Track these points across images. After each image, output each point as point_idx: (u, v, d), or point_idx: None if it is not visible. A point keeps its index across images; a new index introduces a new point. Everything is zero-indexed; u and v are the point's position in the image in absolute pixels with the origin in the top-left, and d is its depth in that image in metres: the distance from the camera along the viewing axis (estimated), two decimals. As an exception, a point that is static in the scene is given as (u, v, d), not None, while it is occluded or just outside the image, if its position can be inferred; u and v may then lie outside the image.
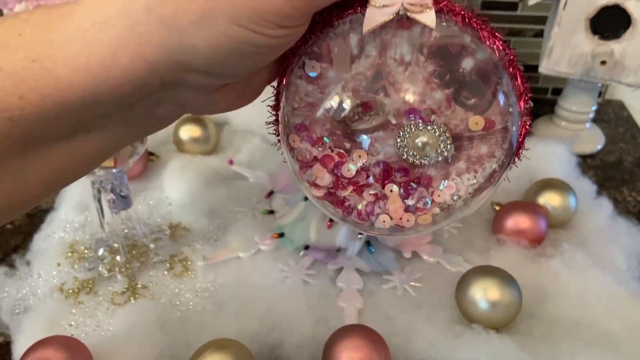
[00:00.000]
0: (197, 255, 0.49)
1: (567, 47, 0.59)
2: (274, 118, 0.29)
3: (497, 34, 0.26)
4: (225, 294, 0.45)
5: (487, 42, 0.26)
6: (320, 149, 0.28)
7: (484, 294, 0.41)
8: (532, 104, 0.28)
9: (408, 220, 0.29)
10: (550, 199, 0.52)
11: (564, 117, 0.67)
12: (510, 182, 0.57)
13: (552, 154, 0.59)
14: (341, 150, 0.28)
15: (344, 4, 0.25)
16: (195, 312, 0.44)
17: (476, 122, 0.27)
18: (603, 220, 0.52)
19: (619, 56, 0.58)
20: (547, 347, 0.40)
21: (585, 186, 0.57)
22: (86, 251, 0.49)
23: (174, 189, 0.55)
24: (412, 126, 0.27)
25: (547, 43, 0.60)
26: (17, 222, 0.53)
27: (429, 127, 0.27)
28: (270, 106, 0.29)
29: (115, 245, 0.47)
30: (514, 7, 0.72)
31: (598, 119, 0.73)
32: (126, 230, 0.49)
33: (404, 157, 0.27)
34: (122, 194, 0.43)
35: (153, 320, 0.42)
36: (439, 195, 0.28)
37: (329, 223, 0.48)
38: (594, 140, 0.67)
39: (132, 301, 0.44)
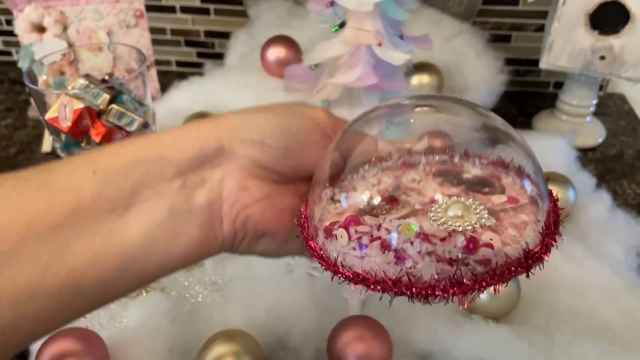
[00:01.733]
0: (205, 250, 0.50)
1: (567, 42, 0.60)
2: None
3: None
4: (234, 287, 0.47)
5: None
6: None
7: (484, 286, 0.42)
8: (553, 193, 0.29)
9: None
10: (549, 193, 0.53)
11: (565, 110, 0.68)
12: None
13: (552, 147, 0.60)
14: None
15: None
16: (205, 304, 0.45)
17: (499, 197, 0.28)
18: (602, 213, 0.53)
19: (618, 51, 0.59)
20: (544, 336, 0.41)
21: (585, 179, 0.58)
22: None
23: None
24: (439, 205, 0.27)
25: (547, 38, 0.61)
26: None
27: (457, 201, 0.27)
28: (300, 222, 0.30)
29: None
30: (515, 1, 0.73)
31: (599, 113, 0.74)
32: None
33: (449, 228, 0.26)
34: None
35: (164, 313, 0.44)
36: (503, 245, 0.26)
37: (333, 217, 0.49)
38: (595, 134, 0.68)
39: (144, 294, 0.46)
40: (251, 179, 0.29)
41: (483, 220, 0.26)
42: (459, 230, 0.26)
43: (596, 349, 0.40)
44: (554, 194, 0.30)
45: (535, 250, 0.26)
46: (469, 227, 0.26)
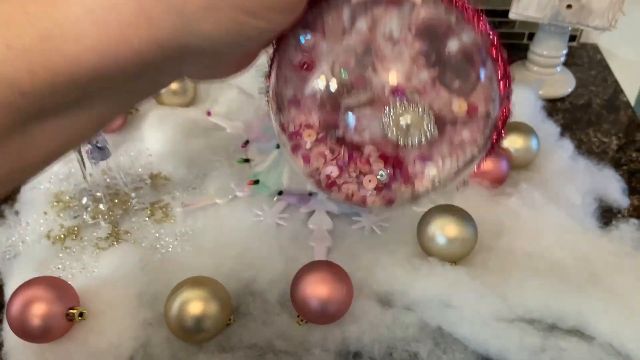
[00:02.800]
0: (176, 203, 0.51)
1: (536, -8, 0.60)
2: (266, 88, 0.30)
3: (481, 15, 0.26)
4: (204, 237, 0.48)
5: (472, 23, 0.26)
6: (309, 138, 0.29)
7: (442, 231, 0.44)
8: (512, 89, 0.28)
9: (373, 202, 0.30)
10: (513, 142, 0.54)
11: (535, 62, 0.68)
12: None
13: (519, 98, 0.60)
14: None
15: None
16: (175, 253, 0.47)
17: (460, 106, 0.27)
18: (564, 161, 0.55)
19: (585, 0, 0.59)
20: (498, 276, 0.43)
21: (550, 129, 0.59)
22: (71, 200, 0.51)
23: (154, 140, 0.58)
24: (397, 104, 0.27)
25: (517, -12, 0.61)
26: (4, 175, 0.55)
27: (412, 107, 0.27)
28: (264, 76, 0.30)
29: (98, 194, 0.50)
30: (489, -49, 0.72)
31: (572, 63, 0.75)
32: (108, 180, 0.51)
33: (389, 136, 0.28)
34: (98, 145, 0.45)
35: (135, 262, 0.45)
36: (421, 181, 0.29)
37: (300, 169, 0.50)
38: (564, 84, 0.69)
39: (115, 245, 0.47)
40: (212, 67, 0.27)
41: (424, 137, 0.27)
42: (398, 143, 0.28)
43: (547, 287, 0.42)
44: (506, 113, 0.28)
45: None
46: (408, 142, 0.28)
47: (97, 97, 0.25)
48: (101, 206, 0.50)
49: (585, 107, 0.67)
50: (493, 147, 0.28)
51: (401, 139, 0.28)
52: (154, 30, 0.22)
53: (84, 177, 0.49)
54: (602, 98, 0.69)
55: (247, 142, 0.57)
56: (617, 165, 0.58)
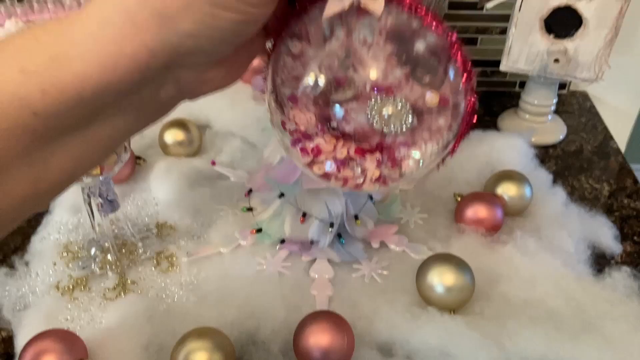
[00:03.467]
0: (182, 252, 0.53)
1: (525, 46, 0.63)
2: (269, 88, 0.33)
3: (439, 19, 0.29)
4: (208, 287, 0.50)
5: (431, 28, 0.29)
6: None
7: (440, 279, 0.45)
8: (475, 81, 0.31)
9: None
10: (507, 190, 0.56)
11: (527, 110, 0.71)
12: (472, 174, 0.61)
13: (511, 146, 0.63)
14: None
15: None
16: (180, 303, 0.48)
17: (432, 98, 0.31)
18: (556, 208, 0.57)
19: (572, 53, 0.62)
20: (495, 325, 0.44)
21: (542, 176, 0.61)
22: (80, 251, 0.53)
23: (161, 190, 0.60)
24: (378, 98, 0.31)
25: (507, 42, 0.64)
26: (14, 225, 0.57)
27: (391, 100, 0.31)
28: (264, 78, 0.33)
29: (106, 244, 0.52)
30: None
31: (562, 110, 0.78)
32: (116, 231, 0.53)
33: (375, 125, 0.31)
34: (109, 198, 0.47)
35: (141, 313, 0.47)
36: (407, 163, 0.32)
37: (302, 218, 0.52)
38: (556, 131, 0.71)
39: (123, 296, 0.49)
40: (206, 71, 0.29)
41: (405, 126, 0.31)
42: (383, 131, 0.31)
43: (543, 335, 0.43)
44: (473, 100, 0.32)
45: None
46: (391, 130, 0.31)
47: (105, 115, 0.27)
48: (109, 256, 0.51)
49: (577, 153, 0.69)
50: (465, 132, 0.32)
51: (385, 128, 0.31)
52: (142, 34, 0.25)
53: (93, 228, 0.51)
54: (592, 145, 0.71)
55: (250, 191, 0.59)
56: (609, 211, 0.60)
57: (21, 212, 0.28)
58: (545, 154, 0.69)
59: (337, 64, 0.31)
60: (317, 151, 0.33)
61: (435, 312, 0.45)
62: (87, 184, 0.47)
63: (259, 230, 0.54)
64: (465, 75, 0.30)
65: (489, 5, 0.63)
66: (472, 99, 0.31)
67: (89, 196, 0.48)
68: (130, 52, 0.25)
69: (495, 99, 0.81)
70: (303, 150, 0.33)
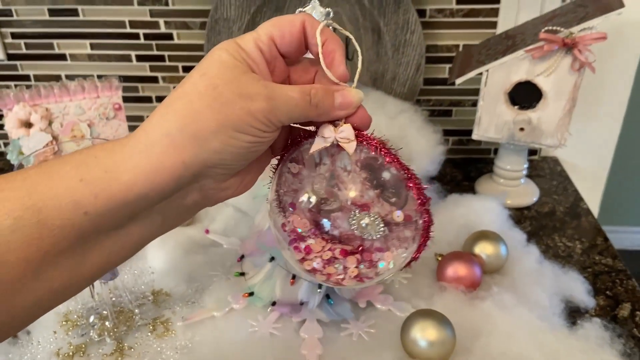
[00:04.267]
0: (177, 317, 0.55)
1: (493, 117, 0.69)
2: (271, 196, 0.40)
3: (398, 158, 0.36)
4: (202, 350, 0.52)
5: (392, 164, 0.36)
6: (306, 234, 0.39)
7: (423, 334, 0.48)
8: (429, 207, 0.37)
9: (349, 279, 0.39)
10: (484, 249, 0.60)
11: (501, 174, 0.76)
12: (452, 235, 0.65)
13: (487, 208, 0.67)
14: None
15: (309, 132, 0.37)
16: (176, 367, 0.50)
17: (398, 216, 0.37)
18: (531, 265, 0.60)
19: (536, 122, 0.68)
20: (476, 377, 0.46)
21: (517, 236, 0.65)
22: (79, 319, 0.55)
23: (156, 258, 0.63)
24: (356, 212, 0.37)
25: (477, 113, 0.70)
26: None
27: (367, 214, 0.37)
28: (269, 188, 0.40)
29: (104, 312, 0.54)
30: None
31: (535, 174, 0.83)
32: (114, 298, 0.55)
33: (355, 232, 0.38)
34: (110, 266, 0.50)
35: (138, 376, 0.49)
36: (380, 264, 0.38)
37: (292, 280, 0.55)
38: (529, 194, 0.76)
39: (120, 360, 0.51)
40: (225, 181, 0.35)
41: (379, 234, 0.38)
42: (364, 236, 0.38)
43: (522, 386, 0.46)
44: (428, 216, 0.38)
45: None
46: (369, 237, 0.38)
47: (138, 217, 0.33)
48: (107, 323, 0.53)
49: (550, 214, 0.74)
50: (425, 243, 0.38)
51: (364, 234, 0.38)
52: (180, 152, 0.31)
53: (92, 297, 0.54)
54: (564, 206, 0.76)
55: (242, 257, 0.62)
56: (582, 268, 0.63)
57: (55, 300, 0.32)
58: (520, 215, 0.73)
59: (325, 183, 0.38)
60: (308, 250, 0.39)
61: (419, 366, 0.47)
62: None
63: (251, 294, 0.57)
64: (419, 201, 0.37)
65: (458, 81, 0.69)
66: (427, 219, 0.37)
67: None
68: (169, 165, 0.31)
69: (472, 164, 0.86)
70: (297, 248, 0.39)
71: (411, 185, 0.36)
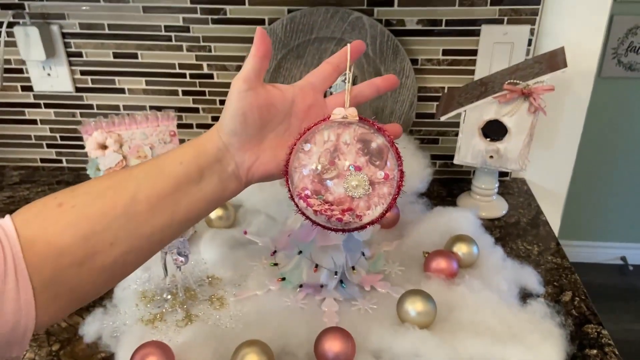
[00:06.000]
0: (228, 294, 0.73)
1: (469, 146, 0.88)
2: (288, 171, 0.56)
3: (385, 130, 0.54)
4: (250, 318, 0.70)
5: (382, 133, 0.54)
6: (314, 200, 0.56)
7: (413, 306, 0.66)
8: (403, 168, 0.55)
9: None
10: (461, 248, 0.78)
11: (477, 192, 0.95)
12: (436, 237, 0.83)
13: (465, 218, 0.86)
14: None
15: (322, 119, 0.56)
16: (230, 329, 0.68)
17: (380, 174, 0.54)
18: (497, 262, 0.79)
19: (503, 152, 0.87)
20: (451, 336, 0.64)
21: (487, 239, 0.83)
22: (154, 296, 0.73)
23: (208, 252, 0.81)
24: (351, 174, 0.54)
25: (457, 143, 0.89)
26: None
27: (359, 175, 0.54)
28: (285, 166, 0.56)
29: (174, 290, 0.72)
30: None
31: (506, 192, 1.02)
32: (181, 280, 0.73)
33: (349, 193, 0.54)
34: (185, 253, 0.68)
35: (205, 335, 0.66)
36: (364, 217, 0.55)
37: (315, 268, 0.73)
38: (499, 208, 0.95)
39: (189, 324, 0.68)
40: (244, 152, 0.54)
41: (364, 190, 0.54)
42: (353, 196, 0.55)
43: (483, 343, 0.64)
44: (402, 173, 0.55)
45: (379, 216, 0.55)
46: (357, 195, 0.54)
47: (205, 174, 0.53)
48: (179, 297, 0.71)
49: (515, 224, 0.93)
50: (397, 196, 0.55)
51: (353, 194, 0.54)
52: (214, 134, 0.54)
53: (165, 278, 0.72)
54: (527, 218, 0.95)
55: (274, 252, 0.80)
56: (537, 265, 0.82)
57: (160, 237, 0.51)
58: (491, 224, 0.92)
59: (329, 154, 0.55)
60: (311, 205, 0.55)
61: (410, 327, 0.65)
62: (169, 245, 0.68)
63: (283, 279, 0.75)
64: (398, 161, 0.54)
65: (442, 117, 0.88)
66: (402, 175, 0.54)
67: (165, 254, 0.70)
68: (210, 141, 0.53)
69: (454, 184, 1.05)
70: (305, 199, 0.55)
71: (394, 148, 0.54)
